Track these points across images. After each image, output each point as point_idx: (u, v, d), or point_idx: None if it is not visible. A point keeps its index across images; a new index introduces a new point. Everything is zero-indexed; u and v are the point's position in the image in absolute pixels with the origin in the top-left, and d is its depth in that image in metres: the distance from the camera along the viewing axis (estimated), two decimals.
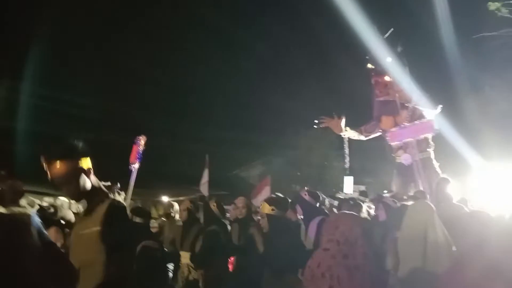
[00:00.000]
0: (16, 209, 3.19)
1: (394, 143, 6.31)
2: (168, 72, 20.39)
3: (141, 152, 5.03)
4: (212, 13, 16.95)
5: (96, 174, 2.21)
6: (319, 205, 4.18)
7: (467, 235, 3.11)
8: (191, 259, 4.20)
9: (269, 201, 3.87)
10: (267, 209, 3.76)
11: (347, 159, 6.83)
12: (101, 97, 16.63)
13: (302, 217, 4.11)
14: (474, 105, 11.40)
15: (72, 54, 17.62)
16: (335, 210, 5.20)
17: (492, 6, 8.72)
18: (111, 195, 2.21)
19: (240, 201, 4.65)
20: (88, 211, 2.13)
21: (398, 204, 4.33)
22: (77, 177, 2.09)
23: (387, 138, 6.42)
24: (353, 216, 2.55)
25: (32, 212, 1.97)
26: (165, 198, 11.72)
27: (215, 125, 17.95)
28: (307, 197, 4.08)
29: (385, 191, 6.36)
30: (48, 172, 2.06)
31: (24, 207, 3.70)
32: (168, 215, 5.64)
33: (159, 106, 19.65)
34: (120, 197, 4.26)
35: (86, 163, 2.16)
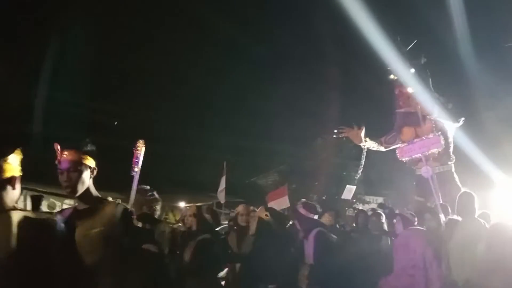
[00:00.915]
0: (43, 213, 3.31)
1: (404, 159, 6.27)
2: (187, 82, 20.64)
3: (139, 156, 5.07)
4: (229, 27, 17.09)
5: (112, 180, 2.33)
6: (317, 217, 4.20)
7: (491, 248, 3.14)
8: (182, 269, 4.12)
9: (268, 208, 3.95)
10: (262, 213, 3.82)
11: (360, 170, 6.79)
12: (120, 106, 16.90)
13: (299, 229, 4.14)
14: (496, 118, 11.20)
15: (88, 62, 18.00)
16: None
17: None
18: (109, 198, 2.33)
19: (243, 208, 4.68)
20: (89, 211, 2.20)
21: (415, 218, 4.30)
22: (81, 170, 2.22)
23: (396, 154, 6.38)
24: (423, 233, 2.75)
25: (57, 216, 2.04)
26: (182, 204, 11.81)
27: (233, 133, 18.03)
28: (302, 210, 4.10)
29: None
30: (58, 158, 2.23)
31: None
32: (184, 221, 5.67)
33: (179, 115, 19.87)
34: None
35: (92, 163, 2.29)
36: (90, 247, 2.05)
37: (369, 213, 5.28)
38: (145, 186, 4.12)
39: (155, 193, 4.03)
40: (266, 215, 3.86)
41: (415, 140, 6.10)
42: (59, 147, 2.25)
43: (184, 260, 4.00)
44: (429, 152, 5.99)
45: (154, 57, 18.74)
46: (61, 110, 14.46)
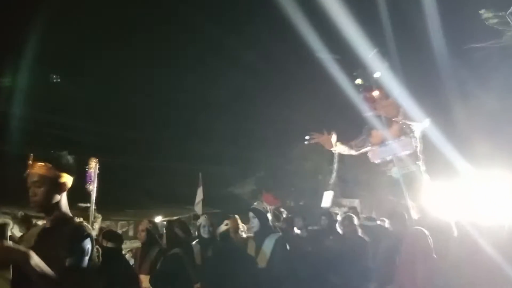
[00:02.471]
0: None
1: (376, 161, 6.39)
2: (162, 90, 20.49)
3: (93, 174, 4.86)
4: (205, 25, 17.09)
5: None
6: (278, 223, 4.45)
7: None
8: (150, 283, 4.04)
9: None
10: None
11: (333, 175, 6.88)
12: (93, 118, 16.63)
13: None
14: (464, 115, 11.57)
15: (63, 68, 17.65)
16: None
17: (485, 14, 8.94)
18: (78, 219, 2.21)
19: (203, 219, 4.71)
20: (52, 231, 2.12)
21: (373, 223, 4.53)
22: (51, 186, 2.12)
23: (368, 156, 6.50)
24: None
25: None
26: (158, 219, 11.66)
27: (208, 142, 17.97)
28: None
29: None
30: (28, 170, 2.13)
31: None
32: (161, 236, 5.60)
33: (153, 126, 19.68)
34: (97, 221, 4.18)
35: (67, 180, 2.20)
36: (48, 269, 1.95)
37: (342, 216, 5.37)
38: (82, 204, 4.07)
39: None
40: (226, 224, 3.93)
41: (387, 142, 6.22)
42: (31, 158, 2.16)
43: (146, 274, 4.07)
44: (401, 154, 6.13)
45: (124, 66, 18.52)
46: (23, 126, 14.09)
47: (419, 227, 3.81)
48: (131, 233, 14.13)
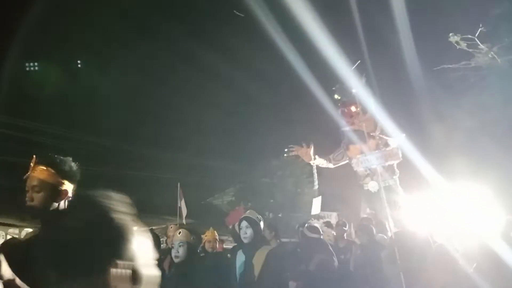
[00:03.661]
0: None
1: (359, 169, 6.50)
2: (139, 99, 20.35)
3: None
4: (189, 43, 17.16)
5: None
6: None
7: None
8: None
9: (189, 230, 3.99)
10: (188, 237, 3.85)
11: (316, 183, 6.96)
12: (69, 126, 16.39)
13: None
14: (438, 132, 11.86)
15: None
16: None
17: (452, 38, 9.27)
18: None
19: (172, 229, 4.64)
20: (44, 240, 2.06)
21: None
22: (50, 192, 2.01)
23: (352, 164, 6.61)
24: None
25: None
26: (134, 228, 11.48)
27: (186, 153, 17.88)
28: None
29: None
30: (29, 173, 2.02)
31: None
32: None
33: (130, 134, 19.46)
34: None
35: (69, 187, 2.09)
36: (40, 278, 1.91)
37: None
38: None
39: None
40: (192, 238, 3.85)
41: (375, 151, 6.31)
42: (34, 161, 2.03)
43: None
44: (386, 164, 6.25)
45: (104, 75, 18.38)
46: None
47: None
48: None
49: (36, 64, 16.82)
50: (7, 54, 14.74)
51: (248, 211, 4.21)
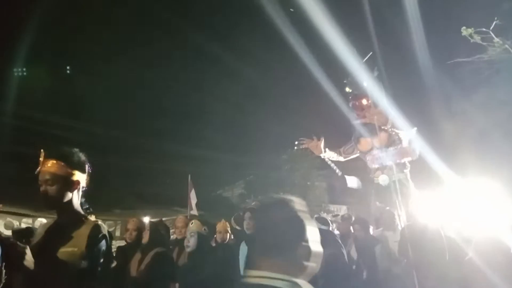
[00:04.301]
0: None
1: (374, 166, 6.47)
2: (150, 91, 20.48)
3: None
4: (199, 38, 17.19)
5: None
6: None
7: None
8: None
9: (201, 221, 3.99)
10: (200, 227, 3.84)
11: (337, 170, 6.95)
12: (81, 118, 16.55)
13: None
14: (450, 127, 11.76)
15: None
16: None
17: (465, 32, 9.15)
18: (92, 218, 2.18)
19: (179, 220, 4.71)
20: (65, 228, 2.07)
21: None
22: (63, 184, 2.09)
23: (367, 160, 6.58)
24: None
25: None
26: (146, 219, 11.60)
27: (198, 145, 17.98)
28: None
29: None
30: (40, 168, 2.09)
31: None
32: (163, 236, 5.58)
33: (141, 126, 19.61)
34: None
35: (80, 178, 2.17)
36: (59, 265, 1.94)
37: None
38: None
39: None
40: (204, 229, 3.86)
41: (390, 148, 6.29)
42: (43, 155, 2.10)
43: (131, 273, 3.93)
44: (402, 161, 6.22)
45: (115, 67, 18.50)
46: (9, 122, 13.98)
47: None
48: (117, 233, 14.04)
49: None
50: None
51: (253, 203, 4.28)
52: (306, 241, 1.38)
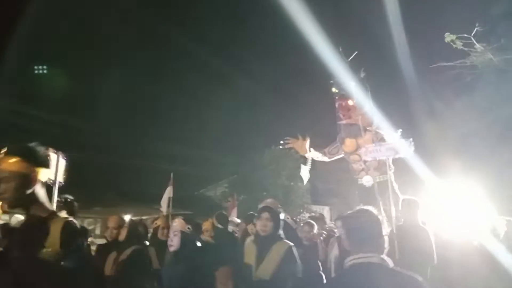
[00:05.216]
0: None
1: (367, 159, 6.43)
2: (134, 91, 20.27)
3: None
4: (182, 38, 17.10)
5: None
6: None
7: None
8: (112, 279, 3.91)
9: (186, 220, 3.85)
10: (183, 226, 3.72)
11: (306, 175, 6.93)
12: (67, 114, 16.27)
13: None
14: (431, 130, 11.92)
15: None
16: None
17: (448, 38, 9.28)
18: (62, 214, 2.13)
19: (113, 220, 4.59)
20: (34, 225, 2.01)
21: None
22: (24, 181, 2.03)
23: (360, 153, 6.56)
24: None
25: None
26: (127, 217, 11.44)
27: (180, 144, 17.84)
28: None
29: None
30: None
31: None
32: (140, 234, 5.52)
33: (125, 124, 19.39)
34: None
35: (42, 174, 2.11)
36: (30, 266, 1.88)
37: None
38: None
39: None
40: (188, 227, 3.77)
41: (382, 143, 6.25)
42: (0, 153, 2.04)
43: (107, 271, 3.89)
44: (396, 157, 6.21)
45: (103, 65, 18.28)
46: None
47: None
48: (97, 231, 13.82)
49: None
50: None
51: (269, 200, 3.71)
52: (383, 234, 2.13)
